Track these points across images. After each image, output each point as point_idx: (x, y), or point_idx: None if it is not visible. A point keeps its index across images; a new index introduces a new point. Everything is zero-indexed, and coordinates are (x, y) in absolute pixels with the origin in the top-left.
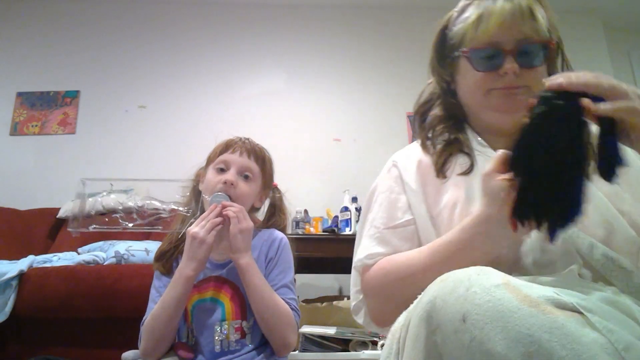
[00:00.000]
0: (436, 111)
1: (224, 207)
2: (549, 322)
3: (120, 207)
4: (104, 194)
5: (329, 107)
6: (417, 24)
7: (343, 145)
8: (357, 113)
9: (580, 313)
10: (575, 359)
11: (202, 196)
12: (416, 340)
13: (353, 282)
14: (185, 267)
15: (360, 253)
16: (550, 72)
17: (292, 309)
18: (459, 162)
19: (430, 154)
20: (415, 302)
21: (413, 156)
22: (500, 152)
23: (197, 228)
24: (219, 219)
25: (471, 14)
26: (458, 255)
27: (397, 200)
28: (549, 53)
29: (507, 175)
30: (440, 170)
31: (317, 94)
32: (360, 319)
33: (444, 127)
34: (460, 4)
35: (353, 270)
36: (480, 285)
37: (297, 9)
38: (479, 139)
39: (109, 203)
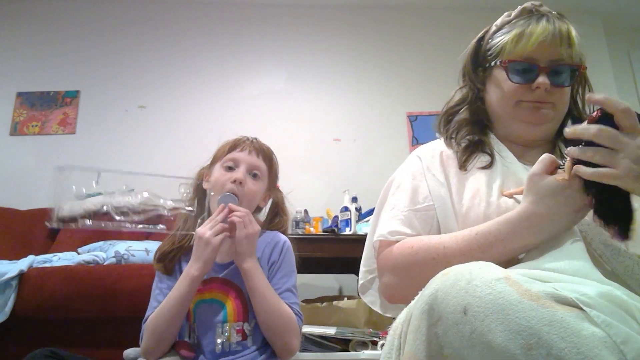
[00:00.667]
0: (463, 115)
1: (230, 210)
2: (548, 315)
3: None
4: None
5: (329, 107)
6: (417, 24)
7: (343, 145)
8: (357, 113)
9: (580, 308)
10: (574, 352)
11: (208, 194)
12: (418, 332)
13: (364, 262)
14: (190, 267)
15: (381, 229)
16: (574, 96)
17: (295, 313)
18: (480, 159)
19: (454, 150)
20: (416, 297)
21: (437, 149)
22: (547, 155)
23: (204, 228)
24: (227, 225)
25: (512, 29)
26: (497, 246)
27: (418, 187)
28: (578, 77)
29: (560, 176)
30: (463, 164)
31: (317, 94)
32: (367, 297)
33: (468, 129)
34: (500, 20)
35: (367, 249)
36: (481, 278)
37: (297, 9)
38: (500, 144)
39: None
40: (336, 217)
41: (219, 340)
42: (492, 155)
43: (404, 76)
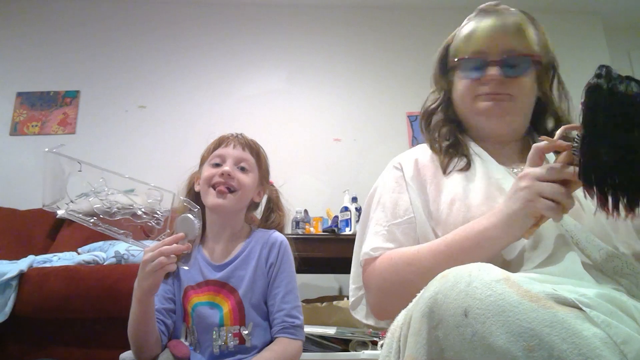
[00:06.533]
0: (439, 115)
1: (180, 238)
2: (549, 316)
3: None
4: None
5: (329, 107)
6: (417, 24)
7: (343, 145)
8: (357, 113)
9: (580, 308)
10: (576, 353)
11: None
12: (418, 335)
13: (353, 279)
14: (135, 289)
15: (365, 247)
16: (543, 90)
17: (295, 335)
18: (458, 163)
19: (438, 153)
20: (415, 299)
21: (411, 157)
22: (531, 155)
23: (147, 255)
24: (167, 249)
25: (465, 30)
26: (464, 254)
27: (399, 199)
28: (534, 66)
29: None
30: (445, 169)
31: (317, 94)
32: (357, 314)
33: (447, 129)
34: (463, 23)
35: (353, 267)
36: (481, 280)
37: (297, 9)
38: (477, 145)
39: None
40: (336, 217)
41: (216, 344)
42: (468, 157)
43: (404, 76)
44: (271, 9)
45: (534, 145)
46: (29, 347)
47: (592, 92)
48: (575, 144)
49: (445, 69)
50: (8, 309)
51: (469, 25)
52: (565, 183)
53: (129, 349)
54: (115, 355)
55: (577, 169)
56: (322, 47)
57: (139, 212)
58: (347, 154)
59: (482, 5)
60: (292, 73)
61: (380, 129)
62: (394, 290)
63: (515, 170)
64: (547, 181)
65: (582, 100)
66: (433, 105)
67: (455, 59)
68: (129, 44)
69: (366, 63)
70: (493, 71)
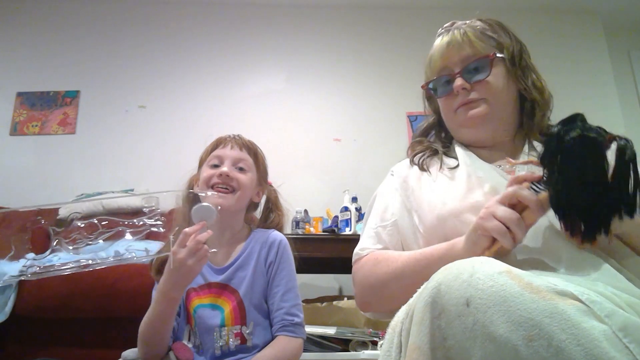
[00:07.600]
0: (432, 134)
1: (201, 227)
2: (550, 307)
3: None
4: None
5: (329, 107)
6: (417, 24)
7: (343, 145)
8: (357, 113)
9: (580, 301)
10: (575, 343)
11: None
12: (421, 324)
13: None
14: (169, 290)
15: (356, 247)
16: (523, 86)
17: (295, 333)
18: (446, 163)
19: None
20: (418, 291)
21: (405, 164)
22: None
23: (178, 248)
24: (203, 236)
25: (429, 53)
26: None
27: (388, 204)
28: (497, 65)
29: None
30: (423, 167)
31: (317, 94)
32: (367, 312)
33: (437, 139)
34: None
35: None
36: (484, 272)
37: (297, 9)
38: (467, 149)
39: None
40: (336, 217)
41: (217, 344)
42: (456, 159)
43: (404, 76)
44: (271, 9)
45: (511, 177)
46: (29, 347)
47: (550, 138)
48: (544, 178)
49: (430, 95)
50: (8, 309)
51: (431, 50)
52: (524, 216)
53: (128, 348)
54: (115, 355)
55: (538, 194)
56: (322, 47)
57: (133, 225)
58: (347, 154)
59: (439, 30)
60: (292, 73)
61: (380, 129)
62: (373, 286)
63: (500, 166)
64: (505, 204)
65: (544, 140)
66: (426, 125)
67: (429, 84)
68: (129, 44)
69: (366, 63)
70: (459, 82)
